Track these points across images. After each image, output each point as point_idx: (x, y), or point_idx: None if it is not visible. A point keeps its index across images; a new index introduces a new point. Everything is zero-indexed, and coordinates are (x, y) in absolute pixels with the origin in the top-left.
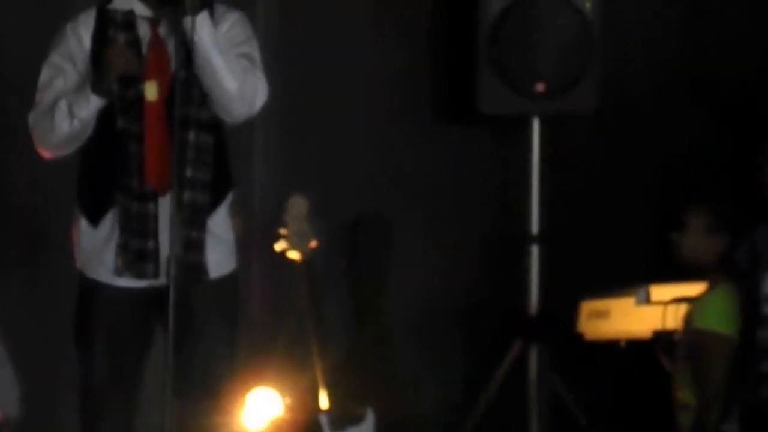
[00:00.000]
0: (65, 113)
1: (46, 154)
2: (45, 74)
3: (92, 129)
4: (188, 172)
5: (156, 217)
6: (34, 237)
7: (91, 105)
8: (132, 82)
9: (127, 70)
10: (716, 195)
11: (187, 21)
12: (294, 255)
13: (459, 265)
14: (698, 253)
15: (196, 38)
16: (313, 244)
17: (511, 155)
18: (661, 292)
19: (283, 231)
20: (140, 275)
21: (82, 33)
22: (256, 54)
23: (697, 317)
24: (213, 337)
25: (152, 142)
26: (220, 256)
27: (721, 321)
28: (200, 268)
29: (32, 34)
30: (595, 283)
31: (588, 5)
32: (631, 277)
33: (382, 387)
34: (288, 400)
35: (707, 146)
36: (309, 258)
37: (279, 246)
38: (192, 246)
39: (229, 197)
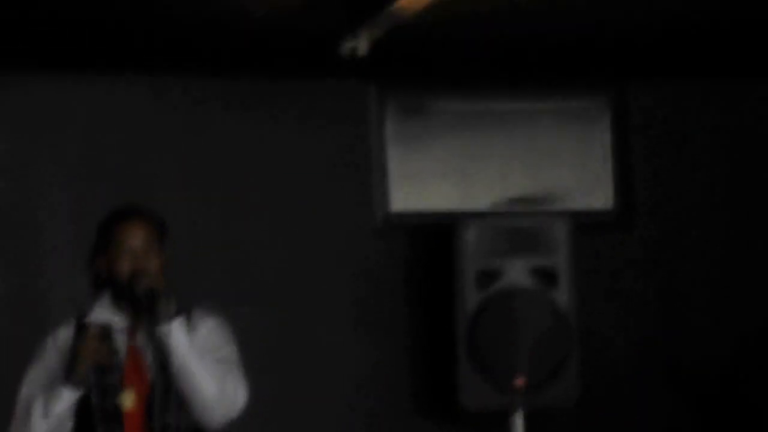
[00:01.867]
0: (41, 413)
1: None
2: (25, 390)
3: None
4: None
5: None
6: None
7: (65, 399)
8: (110, 392)
9: (101, 359)
10: None
11: (162, 329)
12: None
13: None
14: None
15: (171, 346)
16: None
17: None
18: None
19: None
20: None
21: (61, 347)
22: (235, 357)
23: None
24: None
25: None
26: None
27: None
28: None
29: (8, 343)
30: None
31: (564, 298)
32: None
33: None
34: None
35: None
36: None
37: None
38: None
39: None
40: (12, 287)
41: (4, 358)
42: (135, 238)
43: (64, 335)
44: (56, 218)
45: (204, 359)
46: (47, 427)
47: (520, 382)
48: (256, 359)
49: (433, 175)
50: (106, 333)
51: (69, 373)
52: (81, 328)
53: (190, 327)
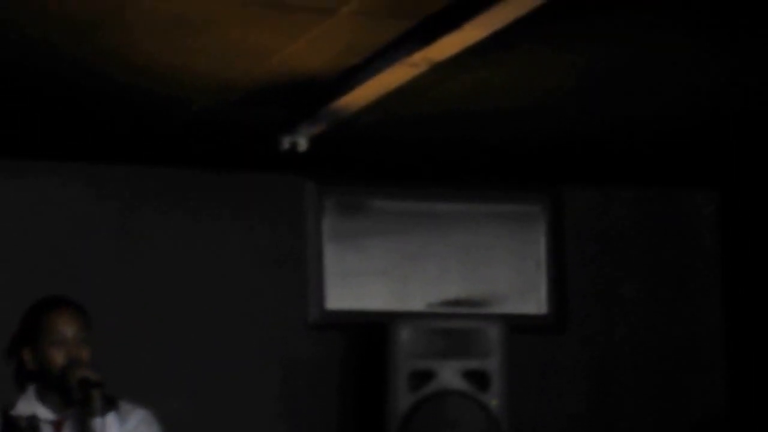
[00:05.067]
0: None
1: None
2: None
3: None
4: None
5: None
6: None
7: None
8: None
9: None
10: None
11: (97, 422)
12: None
13: None
14: None
15: None
16: None
17: None
18: None
19: None
20: None
21: None
22: None
23: None
24: None
25: None
26: None
27: None
28: None
29: None
30: None
31: (494, 403)
32: None
33: None
34: None
35: None
36: None
37: None
38: None
39: None
40: None
41: None
42: (67, 327)
43: None
44: None
45: None
46: None
47: None
48: None
49: (368, 274)
50: (32, 425)
51: None
52: (8, 421)
53: (119, 419)
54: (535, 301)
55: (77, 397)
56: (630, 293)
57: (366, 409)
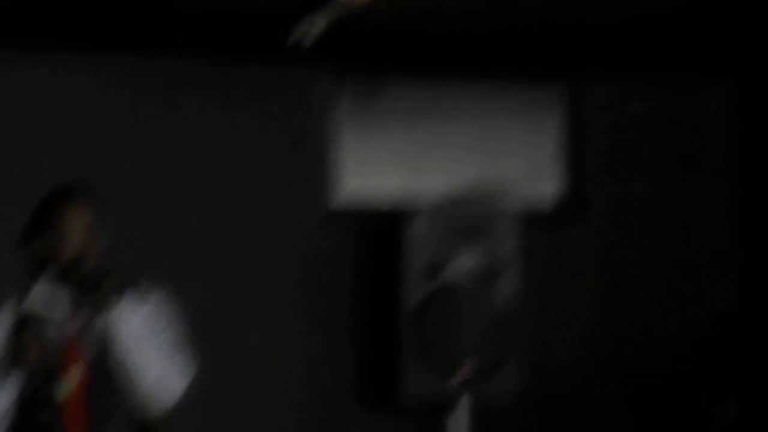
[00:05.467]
0: None
1: None
2: None
3: (11, 421)
4: None
5: None
6: None
7: (7, 393)
8: (50, 377)
9: (42, 356)
10: None
11: (110, 312)
12: None
13: None
14: None
15: (119, 329)
16: None
17: None
18: None
19: None
20: None
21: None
22: (178, 336)
23: None
24: None
25: None
26: None
27: None
28: None
29: None
30: None
31: (510, 290)
32: None
33: None
34: None
35: (631, 428)
36: None
37: None
38: None
39: None
40: None
41: None
42: (79, 220)
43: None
44: None
45: (149, 343)
46: None
47: (464, 370)
48: (196, 344)
49: (383, 164)
50: (43, 318)
51: (11, 365)
52: (20, 318)
53: (131, 307)
54: (551, 189)
55: (89, 289)
56: (646, 183)
57: (379, 298)
